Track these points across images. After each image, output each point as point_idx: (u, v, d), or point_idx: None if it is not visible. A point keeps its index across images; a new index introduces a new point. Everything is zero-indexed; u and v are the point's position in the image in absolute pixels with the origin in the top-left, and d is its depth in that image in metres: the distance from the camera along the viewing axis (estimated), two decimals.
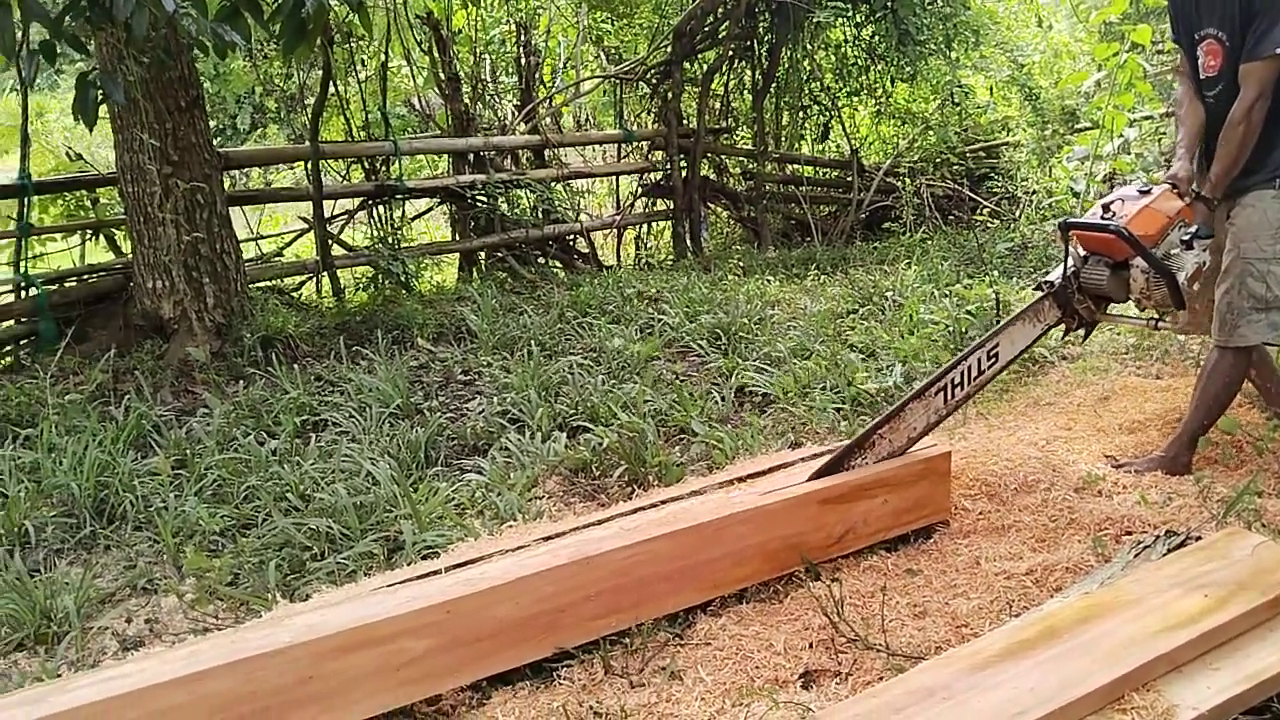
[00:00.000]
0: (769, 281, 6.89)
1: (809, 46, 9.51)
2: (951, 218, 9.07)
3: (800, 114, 10.06)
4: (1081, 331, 3.36)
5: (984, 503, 3.27)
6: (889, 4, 8.51)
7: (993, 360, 3.12)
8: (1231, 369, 3.39)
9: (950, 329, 5.09)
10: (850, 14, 8.99)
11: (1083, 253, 3.21)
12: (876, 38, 9.23)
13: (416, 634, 2.29)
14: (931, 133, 9.44)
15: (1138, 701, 2.05)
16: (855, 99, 10.10)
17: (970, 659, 2.16)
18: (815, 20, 8.79)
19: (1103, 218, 3.12)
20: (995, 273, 6.55)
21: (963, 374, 3.08)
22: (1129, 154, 6.56)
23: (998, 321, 4.31)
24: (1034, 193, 8.01)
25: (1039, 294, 3.21)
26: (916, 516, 3.08)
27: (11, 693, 2.22)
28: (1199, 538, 2.76)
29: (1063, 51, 8.83)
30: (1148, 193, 3.17)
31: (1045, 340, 4.74)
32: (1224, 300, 3.33)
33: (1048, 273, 3.35)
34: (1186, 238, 3.14)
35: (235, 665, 2.10)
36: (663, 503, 2.95)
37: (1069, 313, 3.20)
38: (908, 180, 8.98)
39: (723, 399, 4.44)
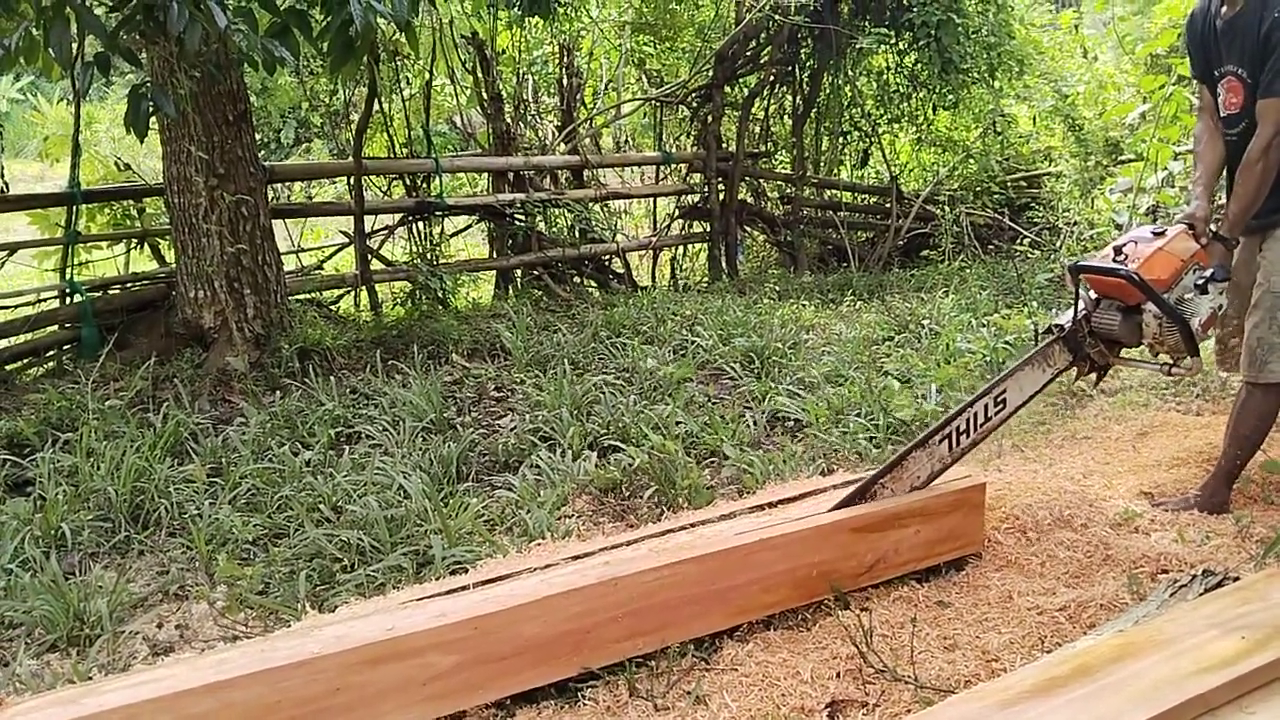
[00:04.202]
0: (804, 306, 6.87)
1: (851, 73, 9.51)
2: (991, 247, 9.01)
3: (840, 140, 10.05)
4: (1094, 376, 3.24)
5: (1018, 536, 3.23)
6: (932, 32, 8.50)
7: (1000, 406, 3.01)
8: (1263, 405, 3.33)
9: (987, 359, 5.05)
10: (893, 41, 8.99)
11: (1094, 296, 3.12)
12: (919, 65, 9.21)
13: (444, 649, 2.30)
14: (972, 161, 9.40)
15: None
16: (896, 126, 10.08)
17: (1000, 694, 2.13)
18: (858, 47, 8.80)
19: (1114, 260, 3.01)
20: (1034, 304, 6.49)
21: (968, 421, 2.97)
22: (1173, 187, 6.49)
23: None
24: (1076, 224, 7.94)
25: (1048, 338, 3.11)
26: (949, 548, 3.04)
27: (44, 693, 2.25)
28: (1237, 578, 2.71)
29: (1108, 83, 8.77)
30: (1162, 234, 3.07)
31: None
32: (1253, 335, 3.27)
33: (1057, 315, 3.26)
34: (1201, 282, 3.03)
35: (263, 674, 2.12)
36: (692, 525, 2.95)
37: (1080, 357, 3.10)
38: (947, 208, 8.94)
39: (755, 423, 4.42)
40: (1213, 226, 3.22)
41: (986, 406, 3.00)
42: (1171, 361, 3.10)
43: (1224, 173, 3.46)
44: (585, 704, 2.43)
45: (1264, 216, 3.27)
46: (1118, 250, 3.04)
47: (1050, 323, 3.18)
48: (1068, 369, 3.13)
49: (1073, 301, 3.12)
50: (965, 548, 3.09)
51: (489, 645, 2.35)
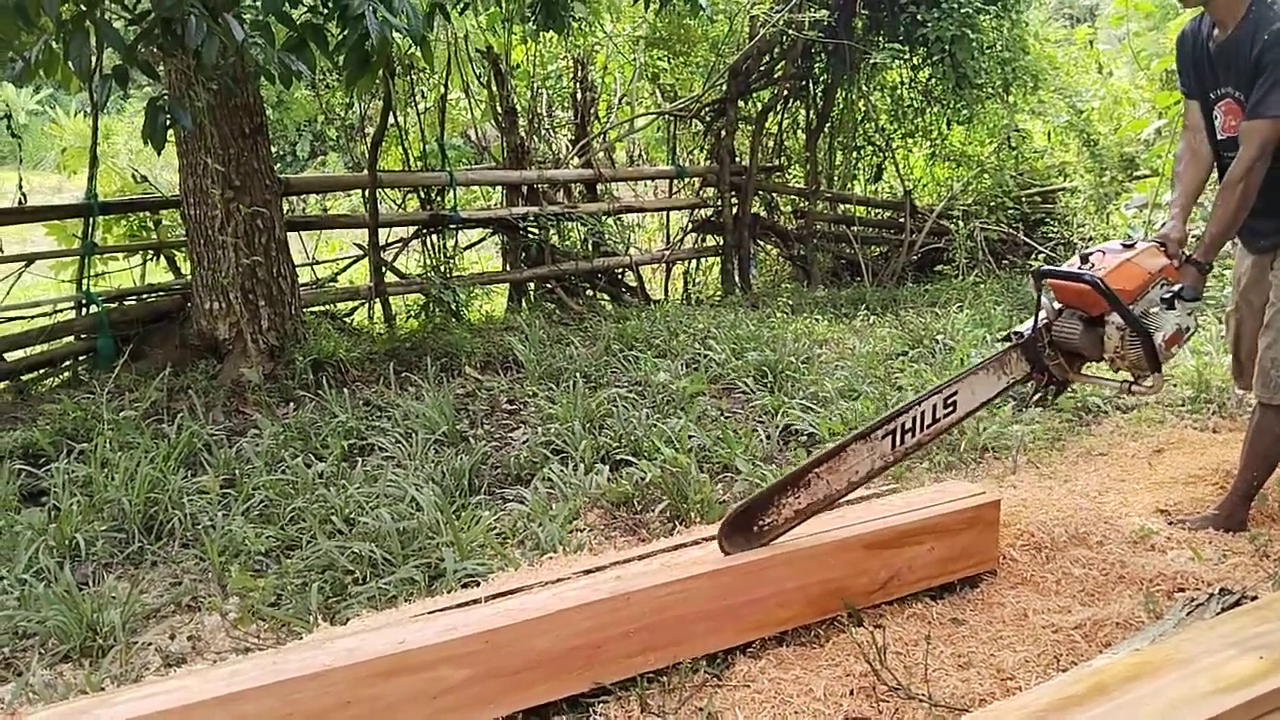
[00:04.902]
0: (817, 320, 6.86)
1: (865, 87, 9.52)
2: (1005, 262, 8.98)
3: (854, 154, 10.05)
4: (1052, 390, 3.13)
5: (1033, 553, 3.21)
6: (947, 47, 8.50)
7: (949, 409, 2.90)
8: (1277, 425, 3.29)
9: None
10: (907, 56, 8.99)
11: (1057, 305, 3.04)
12: (933, 80, 9.22)
13: (455, 663, 2.29)
14: (987, 176, 9.39)
15: None
16: (910, 140, 10.07)
17: (1016, 713, 2.11)
18: (872, 62, 8.81)
19: (1080, 269, 2.95)
20: None
21: (915, 419, 2.85)
22: None
23: None
24: (1091, 239, 7.92)
25: (1006, 344, 3.02)
26: (963, 565, 3.03)
27: (56, 704, 2.26)
28: (1255, 597, 2.69)
29: (1123, 98, 8.75)
30: (1131, 247, 3.01)
31: (1099, 389, 4.68)
32: (1266, 355, 3.23)
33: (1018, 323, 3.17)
34: (1168, 296, 2.96)
35: (274, 687, 2.12)
36: (704, 540, 2.93)
37: (1038, 368, 3.00)
38: (961, 223, 8.92)
39: (768, 437, 4.41)
40: (1184, 250, 3.16)
41: (935, 407, 2.88)
42: (1132, 379, 3.02)
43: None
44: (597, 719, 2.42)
45: (1273, 236, 3.25)
46: (1084, 259, 2.98)
47: (1010, 330, 3.11)
48: (1024, 380, 3.03)
49: (1034, 309, 3.03)
50: (980, 565, 3.07)
51: (500, 659, 2.35)
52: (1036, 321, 3.00)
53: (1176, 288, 2.98)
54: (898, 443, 2.84)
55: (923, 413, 2.86)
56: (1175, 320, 2.95)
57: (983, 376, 2.95)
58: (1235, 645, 2.33)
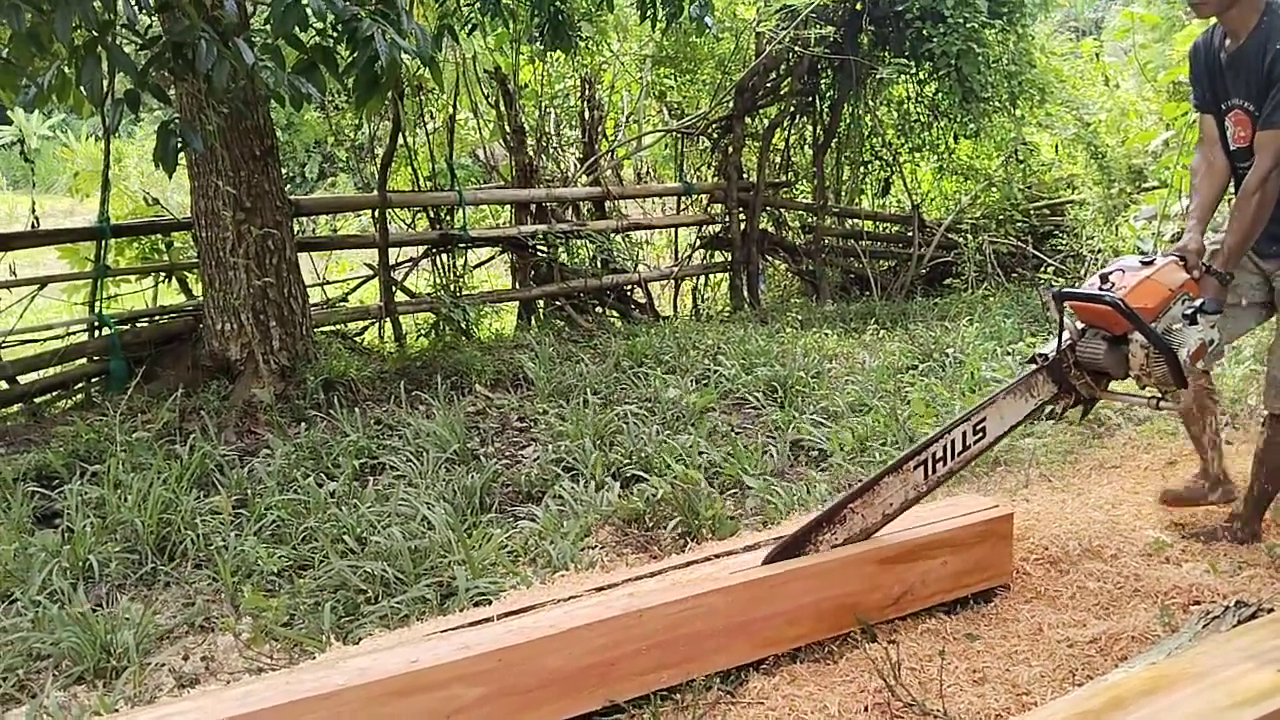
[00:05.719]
0: (827, 335, 6.86)
1: (871, 103, 9.53)
2: (1014, 275, 8.97)
3: (861, 169, 10.06)
4: (1081, 409, 3.12)
5: (1047, 567, 3.20)
6: (953, 62, 8.51)
7: (979, 435, 2.91)
8: None
9: None
10: (913, 71, 9.01)
11: (1080, 325, 3.03)
12: (940, 95, 9.23)
13: (468, 681, 2.29)
14: (995, 189, 9.38)
15: None
16: (917, 155, 10.08)
17: None
18: (878, 77, 8.83)
19: (1100, 288, 2.94)
20: None
21: (946, 448, 2.87)
22: None
23: None
24: (1100, 251, 7.90)
25: (1032, 367, 3.00)
26: (977, 579, 3.02)
27: None
28: (1271, 609, 2.67)
29: (1130, 110, 8.74)
30: (1150, 263, 3.00)
31: (1110, 402, 4.67)
32: (1278, 367, 3.23)
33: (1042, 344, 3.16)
34: (1190, 312, 2.95)
35: (288, 707, 2.12)
36: (716, 557, 2.93)
37: (1065, 388, 2.99)
38: (970, 236, 8.92)
39: (778, 453, 4.41)
40: (1205, 260, 3.16)
41: (965, 434, 2.89)
42: (1160, 394, 3.01)
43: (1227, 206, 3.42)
44: None
45: None
46: (1104, 278, 2.97)
47: (1034, 352, 3.09)
48: (1053, 401, 3.02)
49: (1057, 331, 3.03)
50: (993, 579, 3.06)
51: (513, 677, 2.34)
52: (1060, 343, 2.99)
53: (1198, 303, 2.97)
54: (930, 472, 2.86)
55: (953, 441, 2.88)
56: (1198, 335, 2.94)
57: (1010, 400, 2.95)
58: (1252, 658, 2.32)
